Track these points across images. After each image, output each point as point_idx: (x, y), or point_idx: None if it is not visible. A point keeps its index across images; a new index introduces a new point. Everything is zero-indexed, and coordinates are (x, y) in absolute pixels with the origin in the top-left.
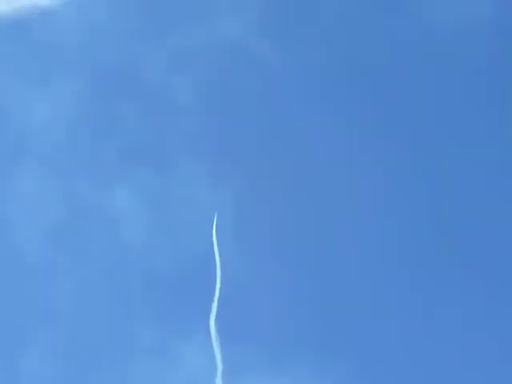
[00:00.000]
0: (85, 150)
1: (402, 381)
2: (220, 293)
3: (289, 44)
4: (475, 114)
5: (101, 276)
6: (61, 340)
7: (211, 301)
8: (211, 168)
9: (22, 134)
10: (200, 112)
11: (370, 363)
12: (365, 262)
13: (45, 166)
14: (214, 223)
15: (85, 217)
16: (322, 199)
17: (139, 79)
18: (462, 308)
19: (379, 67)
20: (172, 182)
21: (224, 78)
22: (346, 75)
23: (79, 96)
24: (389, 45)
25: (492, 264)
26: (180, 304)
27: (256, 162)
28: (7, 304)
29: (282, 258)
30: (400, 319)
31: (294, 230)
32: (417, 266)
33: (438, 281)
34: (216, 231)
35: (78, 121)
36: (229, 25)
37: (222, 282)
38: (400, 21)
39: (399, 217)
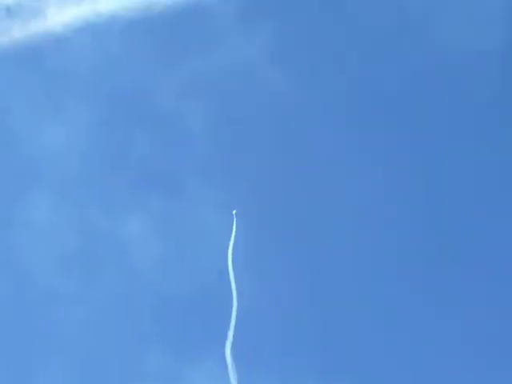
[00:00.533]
0: (97, 177)
1: None
2: (235, 319)
3: (301, 71)
4: (483, 139)
5: (113, 302)
6: (72, 365)
7: (224, 327)
8: (223, 193)
9: (35, 161)
10: (212, 138)
11: None
12: (380, 288)
13: (57, 193)
14: (230, 250)
15: (97, 243)
16: (332, 222)
17: (152, 106)
18: (461, 319)
19: (391, 93)
20: (183, 208)
21: (236, 104)
22: (359, 101)
23: (92, 123)
24: (401, 71)
25: (489, 270)
26: (192, 330)
27: (267, 186)
28: (20, 330)
29: (296, 280)
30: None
31: (306, 254)
32: (425, 292)
33: (439, 291)
34: (230, 257)
35: (91, 148)
36: (241, 52)
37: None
38: (412, 48)
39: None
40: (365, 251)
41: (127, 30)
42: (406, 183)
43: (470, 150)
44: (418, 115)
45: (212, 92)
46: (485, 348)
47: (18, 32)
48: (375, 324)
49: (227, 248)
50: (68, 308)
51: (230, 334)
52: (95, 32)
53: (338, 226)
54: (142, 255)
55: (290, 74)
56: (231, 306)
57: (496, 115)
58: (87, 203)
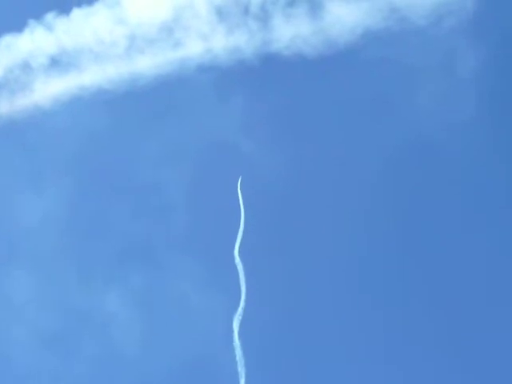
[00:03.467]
0: (75, 252)
1: None
2: None
3: (278, 140)
4: (465, 216)
5: (93, 382)
6: None
7: None
8: (205, 267)
9: (12, 236)
10: (190, 209)
11: None
12: None
13: (35, 270)
14: (235, 325)
15: (76, 320)
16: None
17: (128, 179)
18: None
19: (369, 166)
20: (165, 283)
21: (213, 173)
22: (336, 172)
23: (70, 196)
24: (377, 149)
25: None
26: None
27: (249, 258)
28: None
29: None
30: None
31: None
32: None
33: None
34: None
35: (68, 222)
36: (215, 123)
37: None
38: (388, 125)
39: None
40: None
41: (111, 103)
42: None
43: (454, 222)
44: (401, 189)
45: (190, 161)
46: None
47: (4, 106)
48: None
49: (212, 323)
50: None
51: None
52: (79, 105)
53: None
54: (122, 332)
55: (265, 144)
56: None
57: (473, 182)
58: (65, 279)
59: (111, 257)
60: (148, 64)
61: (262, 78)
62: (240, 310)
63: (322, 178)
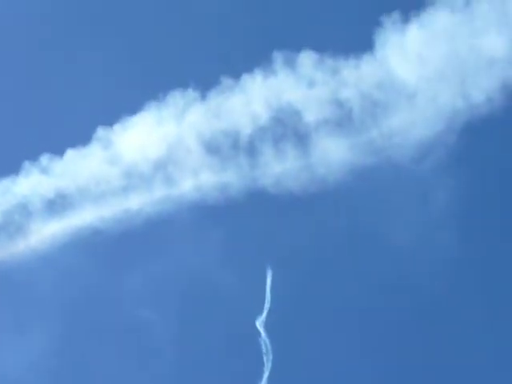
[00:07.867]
0: None
1: None
2: None
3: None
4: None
5: None
6: None
7: None
8: None
9: None
10: (178, 349)
11: None
12: None
13: None
14: None
15: None
16: None
17: (117, 321)
18: None
19: (347, 302)
20: None
21: (194, 309)
22: (315, 309)
23: (56, 342)
24: (362, 286)
25: None
26: None
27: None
28: None
29: None
30: None
31: None
32: None
33: None
34: None
35: (55, 368)
36: (190, 255)
37: None
38: (372, 263)
39: None
40: None
41: (103, 244)
42: None
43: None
44: (375, 322)
45: (175, 299)
46: None
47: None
48: None
49: None
50: None
51: None
52: (71, 247)
53: None
54: None
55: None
56: None
57: (457, 321)
58: None
59: None
60: (140, 202)
61: (248, 214)
62: None
63: (303, 318)
